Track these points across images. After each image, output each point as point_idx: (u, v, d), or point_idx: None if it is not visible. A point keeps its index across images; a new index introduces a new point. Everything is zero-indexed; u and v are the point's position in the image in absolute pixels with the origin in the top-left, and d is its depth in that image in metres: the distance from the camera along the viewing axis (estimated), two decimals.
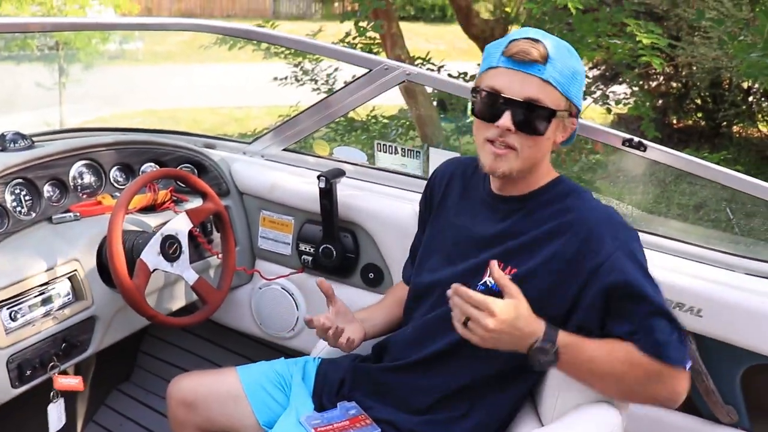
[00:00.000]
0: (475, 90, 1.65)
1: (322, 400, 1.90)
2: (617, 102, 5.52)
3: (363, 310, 1.99)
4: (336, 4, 23.98)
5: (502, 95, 1.58)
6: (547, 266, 1.62)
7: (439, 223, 1.87)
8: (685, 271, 2.00)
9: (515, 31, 1.67)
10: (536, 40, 1.57)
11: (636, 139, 2.03)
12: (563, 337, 1.52)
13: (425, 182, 2.41)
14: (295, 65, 6.36)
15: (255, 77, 7.62)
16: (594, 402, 1.60)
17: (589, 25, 4.48)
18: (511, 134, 1.59)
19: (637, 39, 4.22)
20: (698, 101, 9.14)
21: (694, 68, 7.96)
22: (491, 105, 1.60)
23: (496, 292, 1.63)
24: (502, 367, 1.72)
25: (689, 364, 1.54)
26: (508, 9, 6.37)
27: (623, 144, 2.05)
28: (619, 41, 4.47)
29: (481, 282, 1.70)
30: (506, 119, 1.57)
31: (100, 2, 9.90)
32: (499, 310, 1.47)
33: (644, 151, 2.04)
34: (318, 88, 6.28)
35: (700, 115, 9.30)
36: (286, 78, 6.34)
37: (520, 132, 1.59)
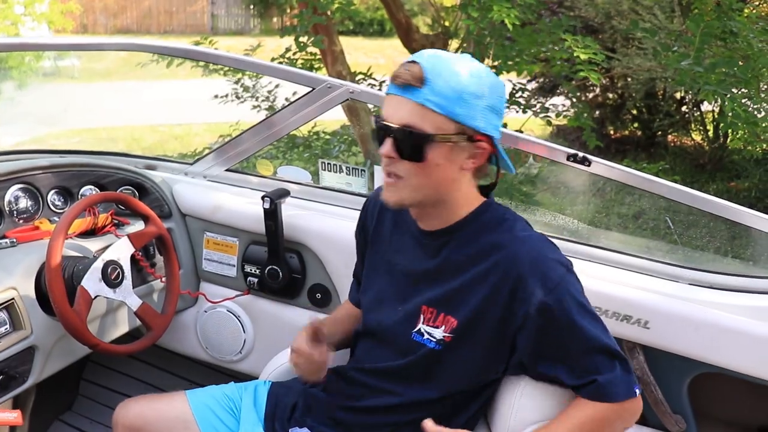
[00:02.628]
0: (375, 119, 1.60)
1: (275, 426, 1.87)
2: (557, 114, 5.59)
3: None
4: (275, 19, 23.98)
5: (384, 122, 1.54)
6: (484, 314, 1.59)
7: (376, 256, 1.84)
8: (632, 284, 2.03)
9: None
10: (414, 62, 1.51)
11: (580, 154, 2.05)
12: None
13: None
14: (235, 82, 6.30)
15: (194, 94, 7.54)
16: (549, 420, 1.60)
17: (529, 38, 4.53)
18: (395, 162, 1.54)
19: (575, 54, 4.29)
20: (634, 111, 9.34)
21: (630, 79, 8.15)
22: (378, 133, 1.56)
23: (427, 344, 1.64)
24: (453, 398, 1.71)
25: (638, 387, 1.58)
26: (447, 23, 6.41)
27: (568, 159, 2.07)
28: (558, 52, 4.54)
29: (415, 329, 1.67)
30: (386, 146, 1.53)
31: (33, 18, 9.70)
32: None
33: (588, 165, 2.06)
34: (258, 106, 6.23)
35: (636, 125, 9.50)
36: (226, 95, 6.27)
37: (403, 159, 1.53)
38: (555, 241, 2.23)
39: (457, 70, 1.51)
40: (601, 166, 2.10)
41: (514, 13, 4.11)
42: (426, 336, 1.65)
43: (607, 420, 1.55)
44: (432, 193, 1.59)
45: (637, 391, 1.57)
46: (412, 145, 1.51)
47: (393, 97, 1.53)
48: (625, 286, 2.02)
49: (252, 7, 24.36)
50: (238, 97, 6.30)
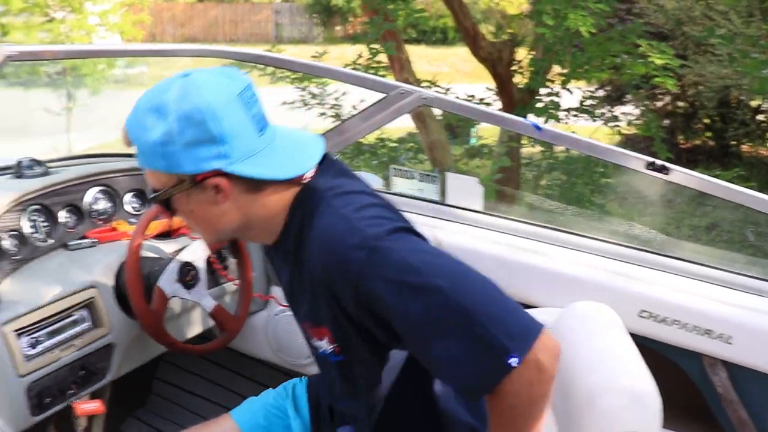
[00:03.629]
0: None
1: (321, 428, 1.82)
2: (629, 123, 5.51)
3: None
4: (338, 28, 24.17)
5: None
6: (334, 318, 1.42)
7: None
8: (713, 297, 1.98)
9: None
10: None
11: (659, 162, 2.02)
12: None
13: (441, 207, 2.40)
14: (302, 89, 6.37)
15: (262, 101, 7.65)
16: None
17: (600, 46, 4.48)
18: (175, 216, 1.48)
19: (650, 59, 4.23)
20: (706, 120, 9.15)
21: (701, 87, 7.98)
22: None
23: (325, 356, 1.52)
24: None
25: (515, 356, 1.22)
26: (512, 30, 6.38)
27: (647, 167, 2.03)
28: (632, 61, 4.48)
29: (315, 344, 1.55)
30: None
31: (107, 29, 9.95)
32: None
33: (667, 174, 2.02)
34: (325, 113, 6.28)
35: (708, 134, 9.30)
36: (294, 102, 6.35)
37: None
38: (630, 251, 2.21)
39: (143, 120, 1.38)
40: (680, 174, 2.05)
41: (590, 21, 4.07)
42: (323, 349, 1.51)
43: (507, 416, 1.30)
44: (217, 231, 1.48)
45: (513, 360, 1.21)
46: (157, 201, 1.45)
47: None
48: (706, 299, 1.97)
49: (315, 16, 24.61)
50: (305, 104, 6.37)
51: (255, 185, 1.41)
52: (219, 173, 1.37)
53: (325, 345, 1.49)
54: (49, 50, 2.68)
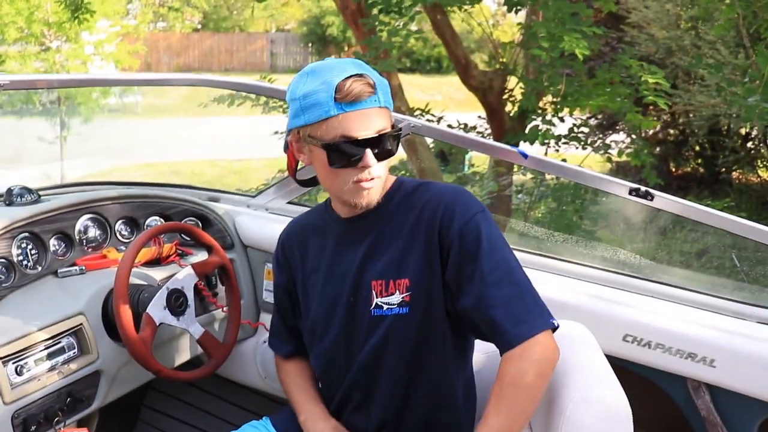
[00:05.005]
0: (327, 146, 1.62)
1: None
2: (620, 153, 5.55)
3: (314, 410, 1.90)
4: (332, 57, 24.35)
5: (358, 139, 1.61)
6: (428, 262, 1.67)
7: (310, 279, 1.86)
8: (696, 321, 1.99)
9: (313, 70, 1.67)
10: (361, 75, 1.61)
11: (643, 188, 2.04)
12: None
13: None
14: None
15: (254, 130, 7.68)
16: None
17: (591, 80, 4.52)
18: (374, 167, 1.63)
19: (642, 78, 4.26)
20: (697, 148, 9.21)
21: (692, 115, 8.05)
22: (349, 151, 1.61)
23: (390, 314, 1.68)
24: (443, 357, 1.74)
25: (554, 320, 1.60)
26: (504, 60, 6.44)
27: (630, 193, 2.06)
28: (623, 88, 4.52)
29: (372, 306, 1.71)
30: (369, 158, 1.62)
31: (102, 58, 10.02)
32: None
33: (651, 200, 2.04)
34: None
35: (699, 161, 9.36)
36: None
37: (381, 161, 1.66)
38: (615, 276, 2.23)
39: (375, 74, 1.65)
40: (664, 200, 2.07)
41: (584, 44, 4.10)
42: (386, 307, 1.69)
43: (519, 374, 1.55)
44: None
45: (554, 321, 1.60)
46: (389, 145, 1.65)
47: (354, 114, 1.60)
48: (690, 323, 1.99)
49: (310, 45, 24.78)
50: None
51: None
52: None
53: (392, 300, 1.68)
54: (40, 79, 2.71)
